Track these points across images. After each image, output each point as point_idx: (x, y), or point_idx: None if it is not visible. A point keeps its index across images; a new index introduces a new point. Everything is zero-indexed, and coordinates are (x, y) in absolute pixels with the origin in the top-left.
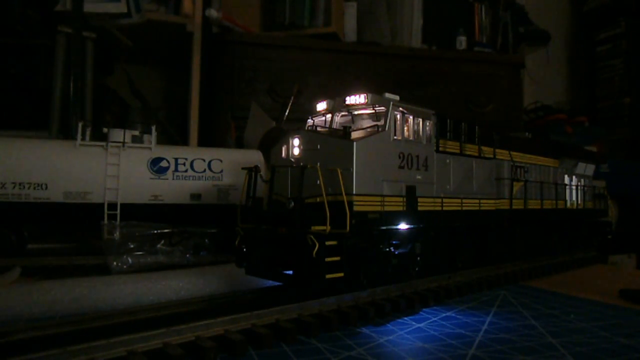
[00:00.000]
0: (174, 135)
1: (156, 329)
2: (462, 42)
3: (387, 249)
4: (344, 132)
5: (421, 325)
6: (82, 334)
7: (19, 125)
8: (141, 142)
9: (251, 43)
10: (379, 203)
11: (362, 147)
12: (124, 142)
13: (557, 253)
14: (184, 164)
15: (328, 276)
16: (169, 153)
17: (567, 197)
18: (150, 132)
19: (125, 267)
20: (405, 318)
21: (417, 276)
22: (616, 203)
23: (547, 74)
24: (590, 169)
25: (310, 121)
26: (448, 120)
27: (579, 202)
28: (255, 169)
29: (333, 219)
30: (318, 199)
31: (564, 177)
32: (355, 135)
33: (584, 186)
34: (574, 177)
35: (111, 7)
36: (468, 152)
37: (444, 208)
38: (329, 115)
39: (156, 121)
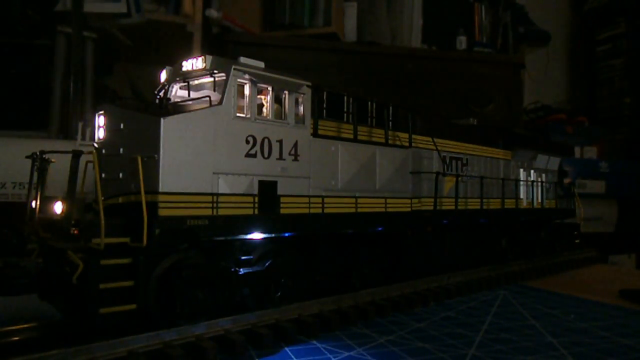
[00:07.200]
0: None
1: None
2: (462, 42)
3: (227, 268)
4: (158, 106)
5: (421, 325)
6: None
7: (19, 125)
8: None
9: (251, 43)
10: (208, 205)
11: (175, 126)
12: None
13: (506, 261)
14: None
15: (104, 310)
16: None
17: (522, 195)
18: None
19: None
20: (405, 318)
21: (281, 302)
22: (616, 203)
23: (547, 74)
24: (554, 162)
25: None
26: (345, 97)
27: (538, 200)
28: (40, 154)
29: (128, 228)
30: (120, 199)
31: (518, 172)
32: (174, 111)
33: (545, 182)
34: (532, 171)
35: (111, 7)
36: (371, 138)
37: (327, 210)
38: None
39: None
